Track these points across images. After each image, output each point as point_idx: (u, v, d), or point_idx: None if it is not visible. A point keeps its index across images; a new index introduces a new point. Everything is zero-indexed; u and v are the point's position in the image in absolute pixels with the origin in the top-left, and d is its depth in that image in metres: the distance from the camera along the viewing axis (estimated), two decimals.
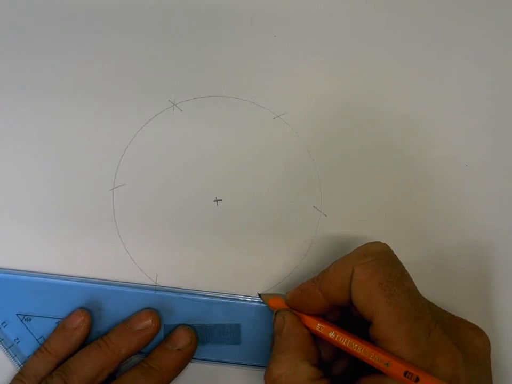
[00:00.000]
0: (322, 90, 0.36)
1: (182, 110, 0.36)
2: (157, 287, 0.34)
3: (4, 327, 0.33)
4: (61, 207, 0.34)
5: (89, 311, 0.33)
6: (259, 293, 0.34)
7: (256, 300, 0.34)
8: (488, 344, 0.27)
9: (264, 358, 0.33)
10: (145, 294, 0.33)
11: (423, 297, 0.27)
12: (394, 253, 0.28)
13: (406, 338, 0.24)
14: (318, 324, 0.28)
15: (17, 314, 0.33)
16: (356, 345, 0.26)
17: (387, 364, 0.24)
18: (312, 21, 0.37)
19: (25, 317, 0.33)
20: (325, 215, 0.35)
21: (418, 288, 0.27)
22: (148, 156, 0.35)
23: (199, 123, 0.36)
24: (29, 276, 0.33)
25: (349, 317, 0.30)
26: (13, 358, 0.33)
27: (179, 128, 0.35)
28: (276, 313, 0.30)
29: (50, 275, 0.34)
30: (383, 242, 0.29)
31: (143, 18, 0.36)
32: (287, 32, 0.37)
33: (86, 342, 0.33)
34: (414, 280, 0.27)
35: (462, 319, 0.28)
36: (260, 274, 0.34)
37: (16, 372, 0.32)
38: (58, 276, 0.33)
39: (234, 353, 0.33)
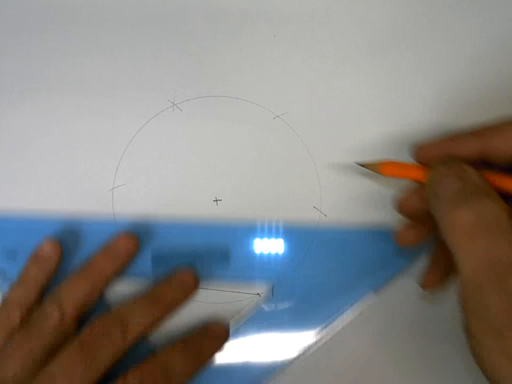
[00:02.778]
0: (322, 90, 0.36)
1: (182, 110, 0.36)
2: None
3: None
4: (61, 207, 0.34)
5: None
6: (357, 162, 0.32)
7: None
8: None
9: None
10: None
11: None
12: None
13: None
14: None
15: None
16: None
17: None
18: (312, 21, 0.37)
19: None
20: (325, 215, 0.35)
21: None
22: (148, 156, 0.35)
23: (199, 123, 0.36)
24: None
25: None
26: None
27: (179, 128, 0.35)
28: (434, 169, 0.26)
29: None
30: None
31: (142, 18, 0.37)
32: (287, 32, 0.37)
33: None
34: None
35: None
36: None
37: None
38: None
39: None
